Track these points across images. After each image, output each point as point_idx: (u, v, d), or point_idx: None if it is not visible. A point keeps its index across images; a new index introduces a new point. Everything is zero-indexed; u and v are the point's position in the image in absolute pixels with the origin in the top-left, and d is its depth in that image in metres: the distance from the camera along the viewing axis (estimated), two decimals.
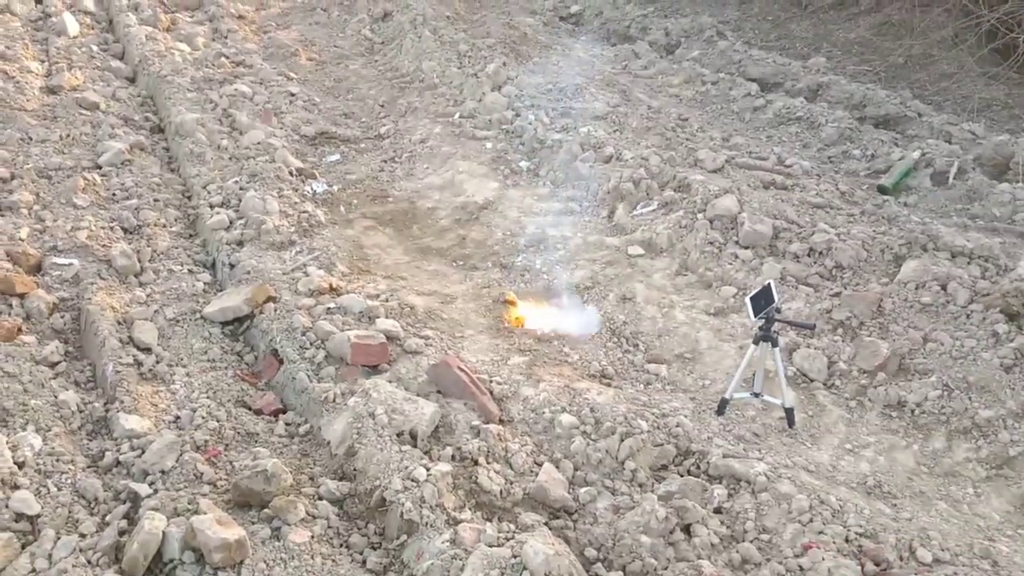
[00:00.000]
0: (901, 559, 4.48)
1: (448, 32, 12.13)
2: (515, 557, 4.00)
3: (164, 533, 4.06)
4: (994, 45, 10.81)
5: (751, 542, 4.57)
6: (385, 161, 9.26)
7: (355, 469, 4.81)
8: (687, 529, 4.58)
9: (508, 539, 4.21)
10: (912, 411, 5.78)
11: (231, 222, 7.23)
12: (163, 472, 4.57)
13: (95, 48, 10.71)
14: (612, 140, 9.00)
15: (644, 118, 9.79)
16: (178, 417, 5.09)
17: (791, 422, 5.63)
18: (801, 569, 4.37)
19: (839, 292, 6.70)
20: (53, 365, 5.45)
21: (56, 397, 5.11)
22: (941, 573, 4.38)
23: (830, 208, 7.99)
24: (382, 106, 10.71)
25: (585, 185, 8.43)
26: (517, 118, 9.70)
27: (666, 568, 4.32)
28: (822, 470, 5.30)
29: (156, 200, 7.55)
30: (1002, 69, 10.76)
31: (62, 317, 5.93)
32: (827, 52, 12.56)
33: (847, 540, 4.55)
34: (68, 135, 8.35)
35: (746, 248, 7.26)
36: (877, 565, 4.42)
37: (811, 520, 4.65)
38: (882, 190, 8.63)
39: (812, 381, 6.08)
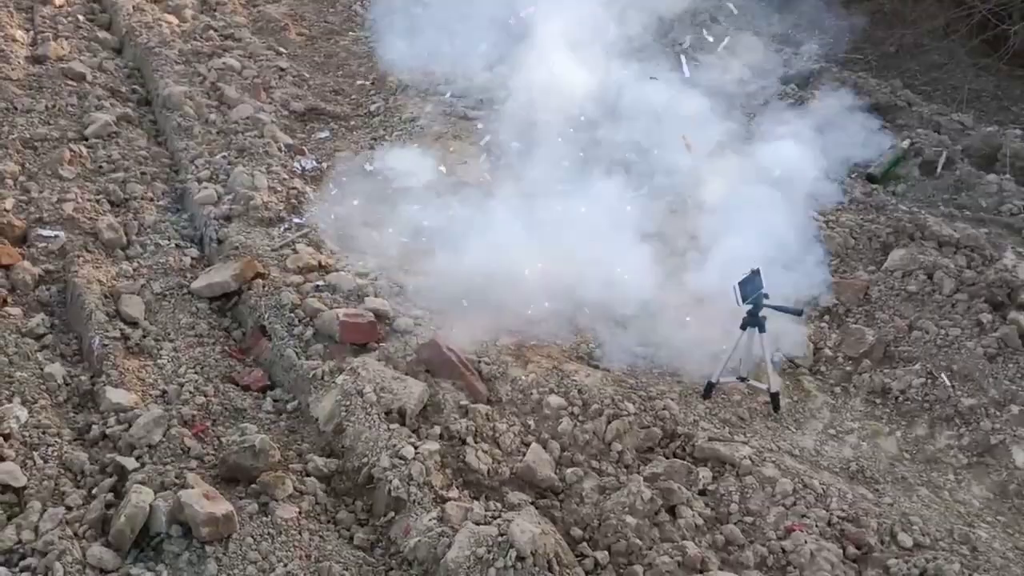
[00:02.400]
0: (882, 543, 4.55)
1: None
2: (502, 535, 4.03)
3: (151, 507, 4.08)
4: (985, 36, 10.81)
5: (735, 524, 4.62)
6: (375, 139, 9.18)
7: (343, 446, 4.82)
8: (672, 510, 4.63)
9: (495, 517, 4.25)
10: (896, 398, 5.84)
11: (219, 197, 7.16)
12: (150, 446, 4.57)
13: (81, 18, 10.51)
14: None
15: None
16: (165, 392, 5.08)
17: (776, 407, 5.67)
18: (784, 551, 4.43)
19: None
20: (39, 337, 5.42)
21: (42, 369, 5.08)
22: (921, 557, 4.45)
23: None
24: (372, 83, 10.61)
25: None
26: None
27: (651, 548, 4.37)
28: (806, 455, 5.36)
29: (143, 173, 7.46)
30: (992, 60, 10.78)
31: (48, 289, 5.88)
32: (819, 39, 12.54)
33: (829, 524, 4.62)
34: (54, 106, 8.23)
35: None
36: (859, 548, 4.50)
37: (794, 503, 4.72)
38: (871, 179, 8.66)
39: (798, 367, 6.13)
